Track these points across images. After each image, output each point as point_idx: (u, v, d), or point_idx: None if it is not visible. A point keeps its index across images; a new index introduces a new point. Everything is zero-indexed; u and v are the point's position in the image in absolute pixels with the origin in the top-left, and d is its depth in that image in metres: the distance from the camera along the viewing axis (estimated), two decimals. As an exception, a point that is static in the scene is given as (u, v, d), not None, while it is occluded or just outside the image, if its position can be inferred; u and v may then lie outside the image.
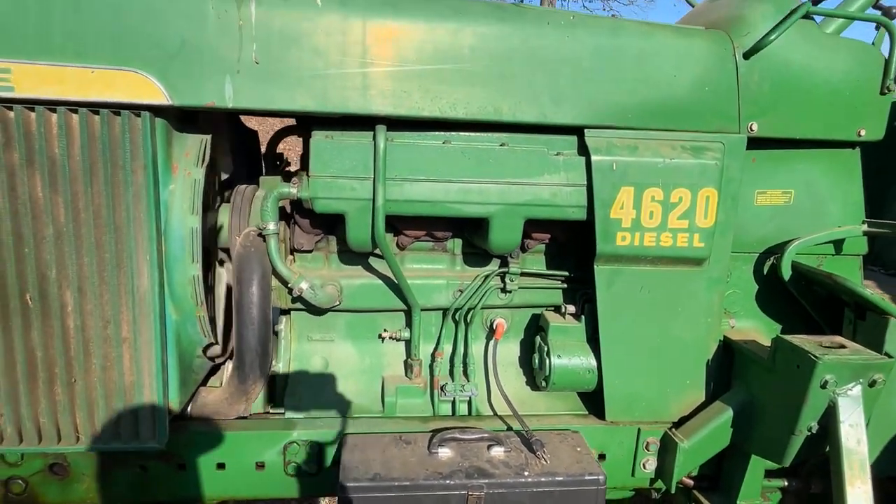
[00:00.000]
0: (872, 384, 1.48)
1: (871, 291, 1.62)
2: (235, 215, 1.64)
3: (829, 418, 1.48)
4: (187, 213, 1.48)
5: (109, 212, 1.43)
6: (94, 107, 1.36)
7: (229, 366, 1.79)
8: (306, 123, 1.81)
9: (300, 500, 2.83)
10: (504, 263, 1.88)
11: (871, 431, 1.58)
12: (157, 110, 1.40)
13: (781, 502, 1.93)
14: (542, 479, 1.52)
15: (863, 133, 1.76)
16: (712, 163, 1.62)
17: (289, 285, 1.65)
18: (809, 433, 1.52)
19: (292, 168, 2.15)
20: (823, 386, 1.46)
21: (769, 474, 1.88)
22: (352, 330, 1.90)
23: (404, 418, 1.79)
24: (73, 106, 1.36)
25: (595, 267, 1.70)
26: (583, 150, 1.64)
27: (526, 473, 1.53)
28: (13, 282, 1.42)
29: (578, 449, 1.65)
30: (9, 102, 1.33)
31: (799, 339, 1.56)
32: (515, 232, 1.66)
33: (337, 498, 1.48)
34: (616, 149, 1.61)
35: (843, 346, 1.53)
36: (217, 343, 1.67)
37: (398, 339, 1.87)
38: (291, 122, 1.95)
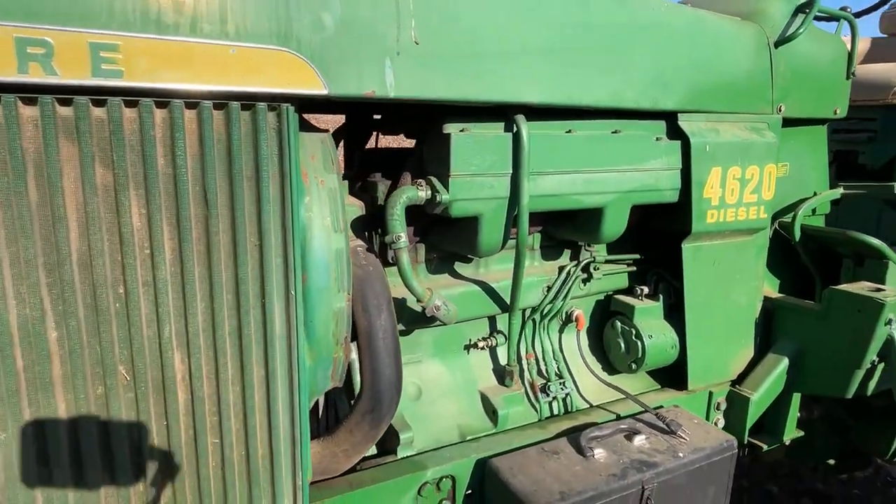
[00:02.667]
0: (910, 317, 1.80)
1: (877, 241, 1.95)
2: None
3: (889, 350, 1.77)
4: (330, 232, 1.18)
5: (242, 237, 1.07)
6: (226, 98, 1.01)
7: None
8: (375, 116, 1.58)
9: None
10: (575, 254, 1.86)
11: None
12: (294, 102, 1.09)
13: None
14: (695, 457, 1.56)
15: (837, 111, 2.11)
16: (773, 141, 1.80)
17: (422, 304, 1.42)
18: (871, 366, 1.80)
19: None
20: (888, 323, 1.74)
21: None
22: (438, 345, 1.71)
23: (520, 428, 1.68)
24: (194, 98, 0.99)
25: (683, 246, 1.77)
26: (673, 133, 1.69)
27: (680, 454, 1.55)
28: (106, 355, 1.00)
29: (696, 421, 1.72)
30: (102, 95, 0.92)
31: (852, 288, 1.82)
32: (624, 219, 1.65)
33: (532, 528, 1.34)
34: (704, 132, 1.70)
35: (880, 290, 1.83)
36: (339, 386, 1.37)
37: (486, 348, 1.74)
38: (341, 118, 1.66)
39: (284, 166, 1.09)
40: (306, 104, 1.14)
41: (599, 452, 1.53)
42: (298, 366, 1.17)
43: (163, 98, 0.96)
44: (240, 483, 1.16)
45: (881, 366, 1.83)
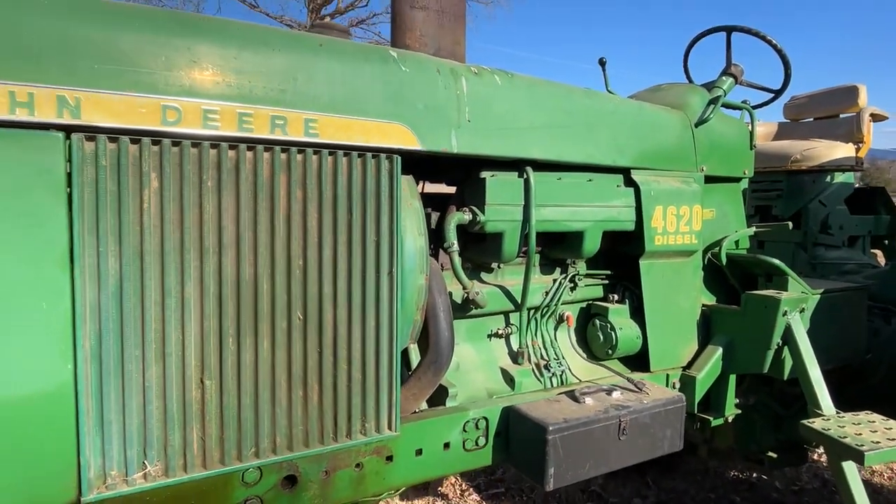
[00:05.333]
0: (802, 311, 2.53)
1: (778, 261, 2.71)
2: None
3: (788, 334, 2.49)
4: (416, 235, 1.87)
5: (368, 235, 1.74)
6: (366, 151, 1.72)
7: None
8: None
9: None
10: (563, 270, 2.57)
11: None
12: (400, 154, 1.80)
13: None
14: (655, 404, 2.21)
15: (746, 172, 2.94)
16: (698, 189, 2.59)
17: (466, 291, 2.09)
18: (777, 347, 2.50)
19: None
20: (784, 314, 2.46)
21: None
22: (469, 333, 2.36)
23: (531, 393, 2.31)
24: (348, 150, 1.70)
25: (640, 262, 2.50)
26: (628, 182, 2.46)
27: (645, 402, 2.20)
28: (290, 302, 1.64)
29: (656, 386, 2.37)
30: (302, 146, 1.63)
31: (760, 292, 2.56)
32: (598, 242, 2.38)
33: (544, 438, 1.94)
34: (649, 182, 2.47)
35: (779, 292, 2.57)
36: (413, 344, 2.00)
37: (503, 335, 2.40)
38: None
39: (393, 193, 1.79)
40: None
41: (588, 400, 2.17)
42: (397, 321, 1.82)
43: (333, 149, 1.67)
44: (359, 396, 1.77)
45: (786, 348, 2.53)
